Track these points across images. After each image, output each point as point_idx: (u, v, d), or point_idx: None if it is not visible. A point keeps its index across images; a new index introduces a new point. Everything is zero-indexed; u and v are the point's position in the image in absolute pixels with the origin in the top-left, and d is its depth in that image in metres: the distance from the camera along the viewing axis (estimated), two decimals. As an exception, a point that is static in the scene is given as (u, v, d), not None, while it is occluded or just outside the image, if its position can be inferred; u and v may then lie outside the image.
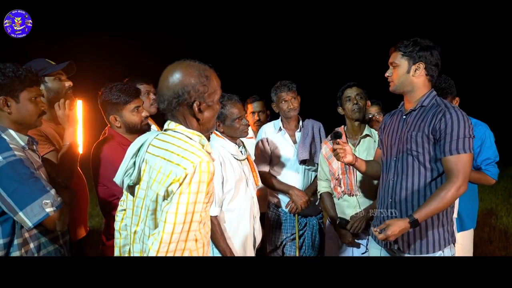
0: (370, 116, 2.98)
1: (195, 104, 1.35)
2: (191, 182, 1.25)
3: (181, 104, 1.36)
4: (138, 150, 1.44)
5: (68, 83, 2.11)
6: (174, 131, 1.39)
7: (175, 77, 1.34)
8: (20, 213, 1.48)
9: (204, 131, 1.45)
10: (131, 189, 1.45)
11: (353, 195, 2.50)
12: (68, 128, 2.04)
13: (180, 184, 1.24)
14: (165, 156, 1.31)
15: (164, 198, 1.28)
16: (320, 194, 2.66)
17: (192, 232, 1.29)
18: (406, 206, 1.88)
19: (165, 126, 1.43)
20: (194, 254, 1.38)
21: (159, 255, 1.25)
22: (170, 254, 1.26)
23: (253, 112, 3.32)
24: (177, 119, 1.40)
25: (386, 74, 1.95)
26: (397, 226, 1.74)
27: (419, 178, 1.85)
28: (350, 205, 2.52)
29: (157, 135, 1.43)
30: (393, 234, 1.73)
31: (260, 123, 3.26)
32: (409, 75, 1.88)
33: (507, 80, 13.06)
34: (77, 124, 2.10)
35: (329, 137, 2.66)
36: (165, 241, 1.25)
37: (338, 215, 2.56)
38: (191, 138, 1.37)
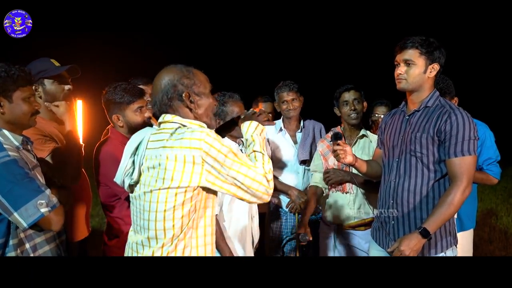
0: (376, 118, 2.94)
1: (184, 94, 1.41)
2: (215, 157, 1.31)
3: (171, 98, 1.42)
4: (136, 148, 1.45)
5: (67, 87, 2.11)
6: (171, 122, 1.41)
7: (161, 79, 1.43)
8: (15, 214, 1.47)
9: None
10: (132, 188, 1.46)
11: (346, 193, 2.50)
12: (67, 127, 2.04)
13: (208, 162, 1.30)
14: (167, 145, 1.33)
15: (195, 176, 1.31)
16: (310, 186, 2.65)
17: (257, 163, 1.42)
18: (408, 208, 1.87)
19: (160, 119, 1.45)
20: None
21: (265, 183, 1.39)
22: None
23: None
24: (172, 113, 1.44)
25: (400, 72, 1.85)
26: (408, 240, 1.73)
27: (422, 180, 1.84)
28: (343, 203, 2.51)
29: (153, 132, 1.44)
30: (407, 247, 1.72)
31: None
32: (424, 75, 1.83)
33: (507, 80, 13.05)
34: (75, 123, 2.10)
35: (326, 135, 2.66)
36: (253, 178, 1.36)
37: (331, 212, 2.55)
38: (189, 128, 1.39)
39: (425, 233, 1.72)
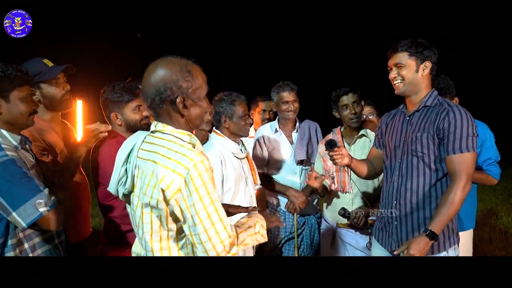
0: (363, 117, 2.97)
1: (178, 100, 1.31)
2: (197, 187, 1.24)
3: (164, 101, 1.32)
4: (128, 156, 1.39)
5: (66, 88, 2.09)
6: (163, 133, 1.35)
7: (157, 74, 1.31)
8: (14, 214, 1.47)
9: (193, 128, 1.42)
10: (127, 197, 1.42)
11: (346, 192, 2.52)
12: (82, 140, 2.03)
13: (182, 193, 1.23)
14: (156, 159, 1.27)
15: (165, 201, 1.26)
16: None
17: (228, 226, 1.31)
18: (411, 208, 1.87)
19: (152, 128, 1.38)
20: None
21: (219, 250, 1.29)
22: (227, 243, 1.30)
23: (263, 110, 3.32)
24: (163, 118, 1.36)
25: (393, 76, 1.89)
26: (417, 243, 1.72)
27: (424, 179, 1.84)
28: (344, 202, 2.54)
29: (145, 138, 1.38)
30: (416, 251, 1.70)
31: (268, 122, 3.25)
32: (418, 75, 1.85)
33: (507, 80, 13.05)
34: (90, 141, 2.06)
35: (324, 146, 2.66)
36: (210, 237, 1.27)
37: (331, 211, 2.58)
38: (180, 139, 1.34)
39: (432, 236, 1.72)
